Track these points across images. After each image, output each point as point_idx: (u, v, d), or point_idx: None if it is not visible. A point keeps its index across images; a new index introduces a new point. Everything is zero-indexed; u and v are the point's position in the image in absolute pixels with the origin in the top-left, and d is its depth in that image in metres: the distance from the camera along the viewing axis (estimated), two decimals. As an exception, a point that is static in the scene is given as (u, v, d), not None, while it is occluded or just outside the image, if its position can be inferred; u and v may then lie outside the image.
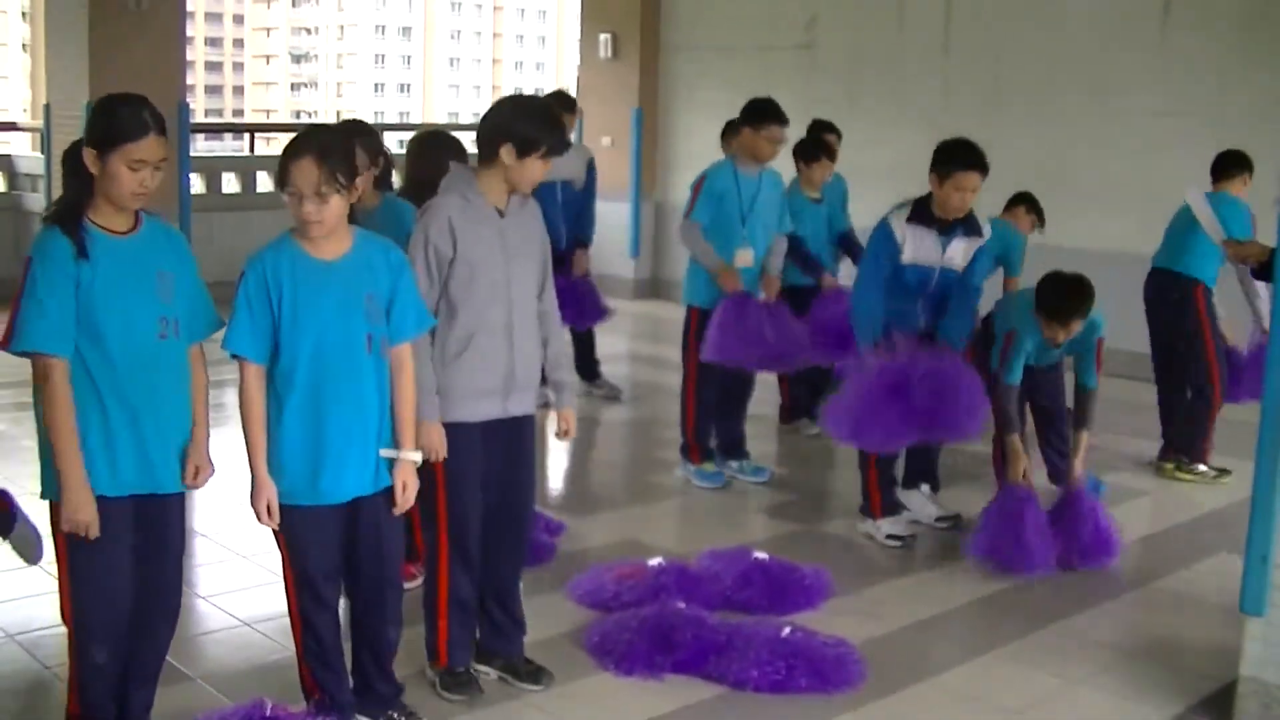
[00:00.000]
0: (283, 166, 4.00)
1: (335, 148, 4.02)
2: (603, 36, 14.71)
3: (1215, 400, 7.63)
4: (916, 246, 6.24)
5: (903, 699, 4.80)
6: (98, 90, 10.85)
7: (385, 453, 4.13)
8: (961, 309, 6.36)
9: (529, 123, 4.49)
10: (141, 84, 10.77)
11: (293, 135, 4.20)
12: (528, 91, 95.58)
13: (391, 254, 4.18)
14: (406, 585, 5.66)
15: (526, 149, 4.46)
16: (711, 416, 7.43)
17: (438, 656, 4.76)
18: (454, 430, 4.52)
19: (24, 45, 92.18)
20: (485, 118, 4.60)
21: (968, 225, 6.28)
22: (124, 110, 3.77)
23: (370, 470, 4.13)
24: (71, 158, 3.86)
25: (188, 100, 11.69)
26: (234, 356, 4.01)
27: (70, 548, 3.82)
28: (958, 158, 6.16)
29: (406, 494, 4.18)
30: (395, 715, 4.39)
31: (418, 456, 4.22)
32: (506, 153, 4.46)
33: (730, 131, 8.57)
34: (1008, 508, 6.07)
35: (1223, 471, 7.63)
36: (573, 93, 11.33)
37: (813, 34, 12.99)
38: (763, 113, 7.21)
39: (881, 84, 12.26)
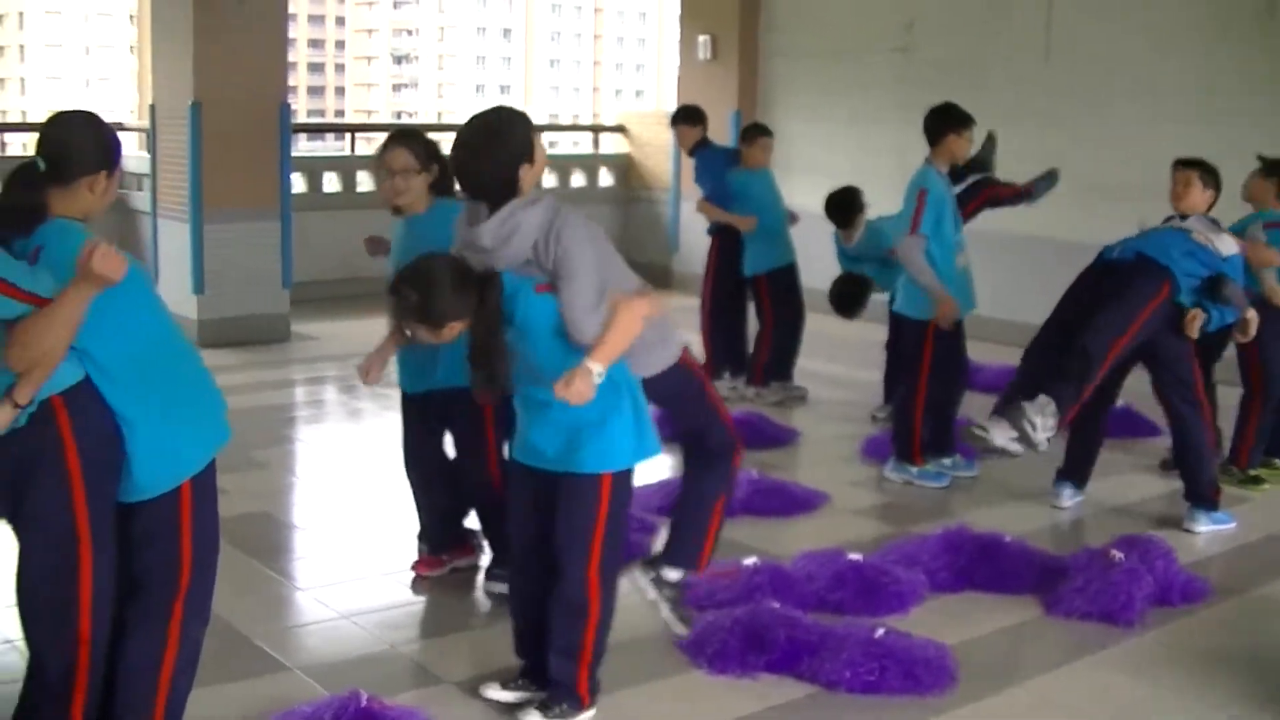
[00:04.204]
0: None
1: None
2: (701, 38, 14.73)
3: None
4: None
5: (994, 704, 4.78)
6: (202, 91, 11.05)
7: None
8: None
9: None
10: (244, 84, 11.10)
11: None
12: (630, 93, 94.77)
13: None
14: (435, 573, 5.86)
15: None
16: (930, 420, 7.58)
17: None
18: None
19: (131, 48, 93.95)
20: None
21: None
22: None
23: None
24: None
25: (289, 101, 11.79)
26: None
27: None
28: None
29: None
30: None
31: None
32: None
33: (754, 135, 9.73)
34: (1096, 564, 5.86)
35: None
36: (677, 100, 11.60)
37: (910, 38, 12.94)
38: (964, 115, 7.49)
39: (979, 88, 12.17)
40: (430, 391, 5.57)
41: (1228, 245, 6.63)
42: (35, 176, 3.72)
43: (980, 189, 8.31)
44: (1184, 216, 6.84)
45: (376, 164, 5.60)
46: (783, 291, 9.60)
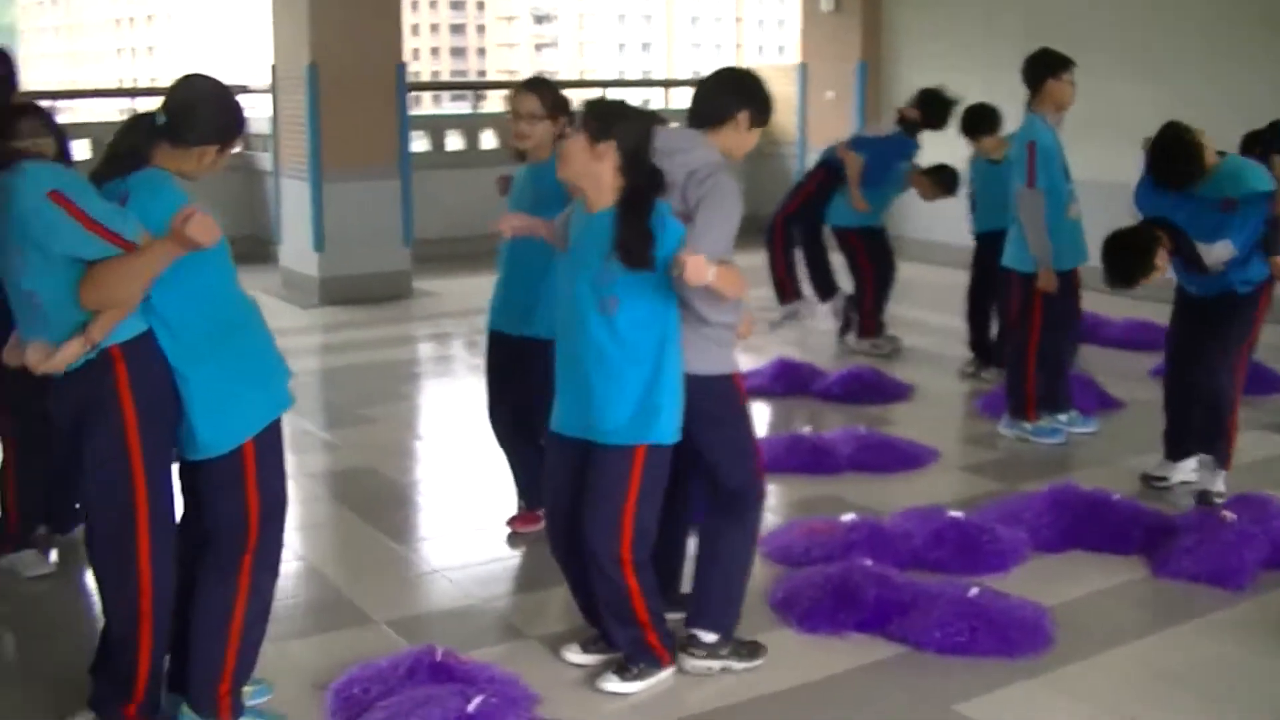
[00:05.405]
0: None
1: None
2: (825, -12, 14.53)
3: None
4: None
5: (1087, 667, 4.62)
6: (318, 52, 11.13)
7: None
8: None
9: (762, 94, 4.58)
10: (360, 45, 11.16)
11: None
12: (772, 49, 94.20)
13: None
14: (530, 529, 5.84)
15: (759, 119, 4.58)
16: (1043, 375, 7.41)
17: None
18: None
19: (227, 15, 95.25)
20: (719, 83, 4.67)
21: None
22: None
23: None
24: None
25: (404, 61, 11.83)
26: None
27: None
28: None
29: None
30: None
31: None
32: (743, 119, 4.54)
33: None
34: (1207, 524, 5.67)
35: None
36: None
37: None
38: (1062, 58, 7.23)
39: (1107, 34, 11.84)
40: (523, 337, 5.53)
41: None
42: (151, 128, 3.80)
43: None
44: None
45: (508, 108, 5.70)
46: (878, 247, 9.50)
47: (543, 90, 5.54)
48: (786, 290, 9.74)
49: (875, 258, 9.47)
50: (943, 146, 9.52)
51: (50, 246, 3.60)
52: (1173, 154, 6.02)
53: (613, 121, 4.22)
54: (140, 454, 3.71)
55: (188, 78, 3.98)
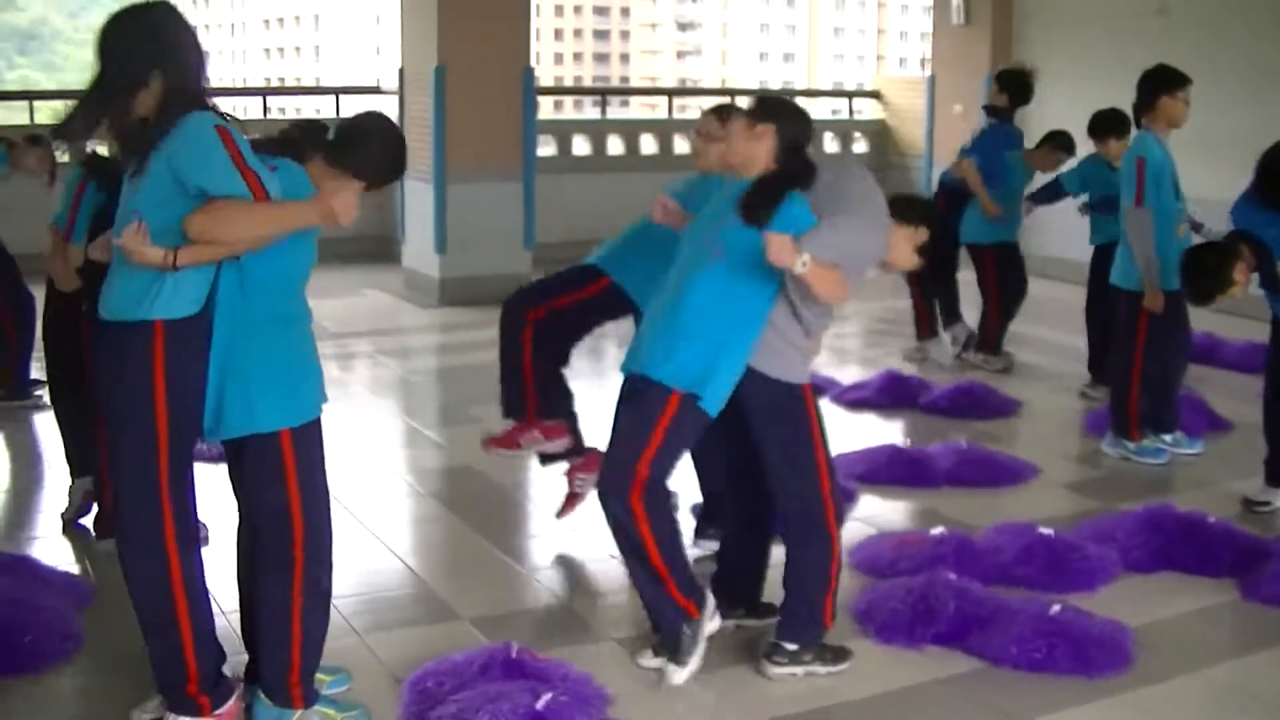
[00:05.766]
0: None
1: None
2: (955, 2, 14.44)
3: None
4: None
5: (1167, 689, 4.57)
6: (445, 55, 11.31)
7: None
8: None
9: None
10: (487, 49, 11.30)
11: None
12: (914, 61, 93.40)
13: None
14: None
15: None
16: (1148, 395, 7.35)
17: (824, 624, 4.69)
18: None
19: (376, 18, 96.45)
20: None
21: None
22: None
23: None
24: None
25: (531, 66, 11.97)
26: None
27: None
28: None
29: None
30: None
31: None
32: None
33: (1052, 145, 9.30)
34: None
35: None
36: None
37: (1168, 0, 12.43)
38: (1177, 75, 7.17)
39: (1240, 52, 11.66)
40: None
41: None
42: (319, 139, 4.09)
43: None
44: None
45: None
46: (1009, 266, 9.40)
47: (725, 114, 5.48)
48: (923, 325, 9.74)
49: (1006, 277, 9.38)
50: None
51: (192, 174, 3.68)
52: (1275, 171, 5.95)
53: (775, 109, 4.47)
54: (166, 425, 3.79)
55: (373, 113, 4.23)
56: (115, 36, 3.75)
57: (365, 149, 4.08)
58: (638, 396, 4.43)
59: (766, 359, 4.42)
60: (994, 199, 9.11)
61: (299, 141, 4.08)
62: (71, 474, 6.05)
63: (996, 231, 9.24)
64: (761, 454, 4.53)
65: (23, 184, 8.19)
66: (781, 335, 4.43)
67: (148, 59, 3.71)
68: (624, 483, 4.40)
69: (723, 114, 5.48)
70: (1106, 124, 8.60)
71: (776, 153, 4.42)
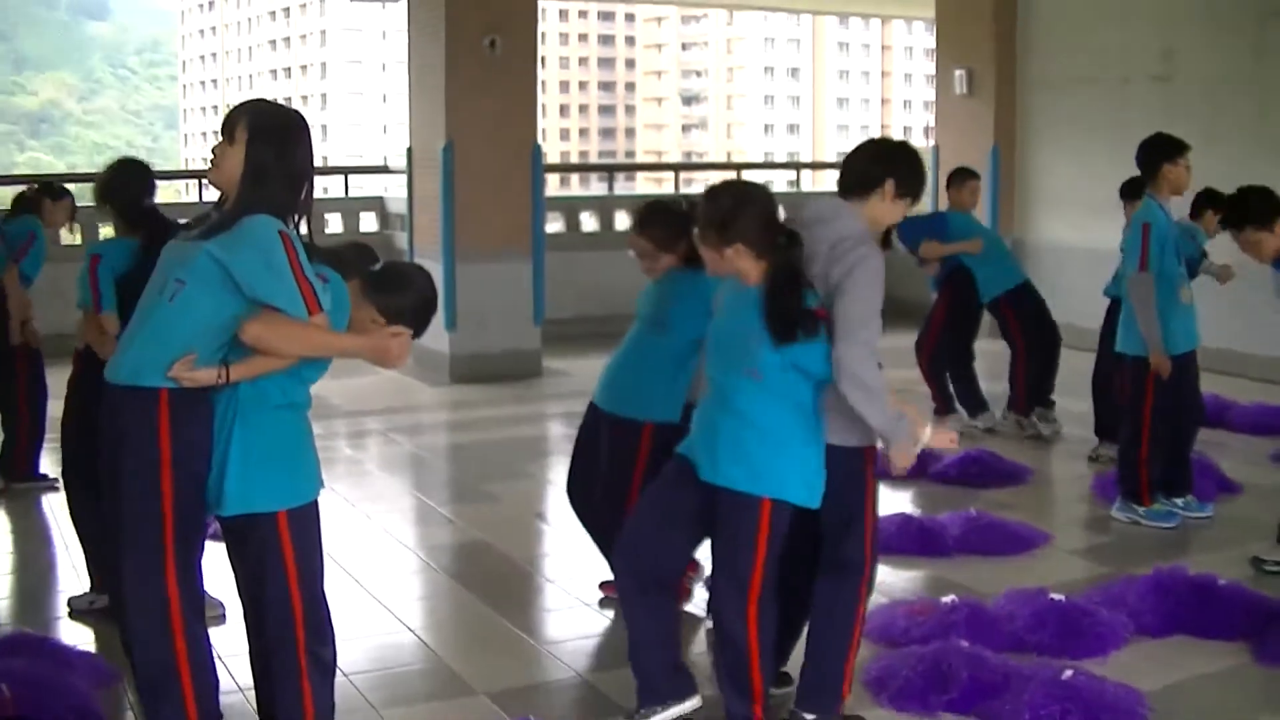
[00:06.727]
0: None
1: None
2: (958, 72, 14.59)
3: None
4: None
5: (1181, 752, 4.61)
6: (454, 132, 11.44)
7: None
8: None
9: (911, 163, 4.55)
10: (496, 127, 11.42)
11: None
12: (919, 131, 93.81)
13: None
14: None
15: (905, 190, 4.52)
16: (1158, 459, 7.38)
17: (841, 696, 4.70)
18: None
19: (384, 97, 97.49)
20: (867, 151, 4.67)
21: None
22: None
23: None
24: None
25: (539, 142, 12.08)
26: None
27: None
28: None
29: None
30: None
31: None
32: (889, 189, 4.48)
33: (962, 178, 9.60)
34: None
35: None
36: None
37: (1170, 65, 12.56)
38: (1177, 142, 7.25)
39: (1240, 116, 11.77)
40: (618, 417, 5.66)
41: None
42: (366, 265, 4.26)
43: None
44: None
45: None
46: (1029, 313, 9.45)
47: (651, 229, 5.57)
48: (937, 405, 9.76)
49: (1027, 325, 9.41)
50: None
51: (247, 274, 3.79)
52: None
53: (729, 223, 4.30)
54: (171, 495, 3.87)
55: (421, 269, 4.41)
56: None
57: (400, 296, 4.18)
58: (726, 510, 4.37)
59: (837, 428, 4.44)
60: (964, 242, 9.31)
61: (349, 262, 4.21)
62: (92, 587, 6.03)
63: (1001, 280, 9.42)
64: (826, 511, 4.51)
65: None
66: (842, 400, 4.35)
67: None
68: (740, 600, 4.37)
69: (644, 226, 5.55)
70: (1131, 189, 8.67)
71: (754, 253, 4.30)
